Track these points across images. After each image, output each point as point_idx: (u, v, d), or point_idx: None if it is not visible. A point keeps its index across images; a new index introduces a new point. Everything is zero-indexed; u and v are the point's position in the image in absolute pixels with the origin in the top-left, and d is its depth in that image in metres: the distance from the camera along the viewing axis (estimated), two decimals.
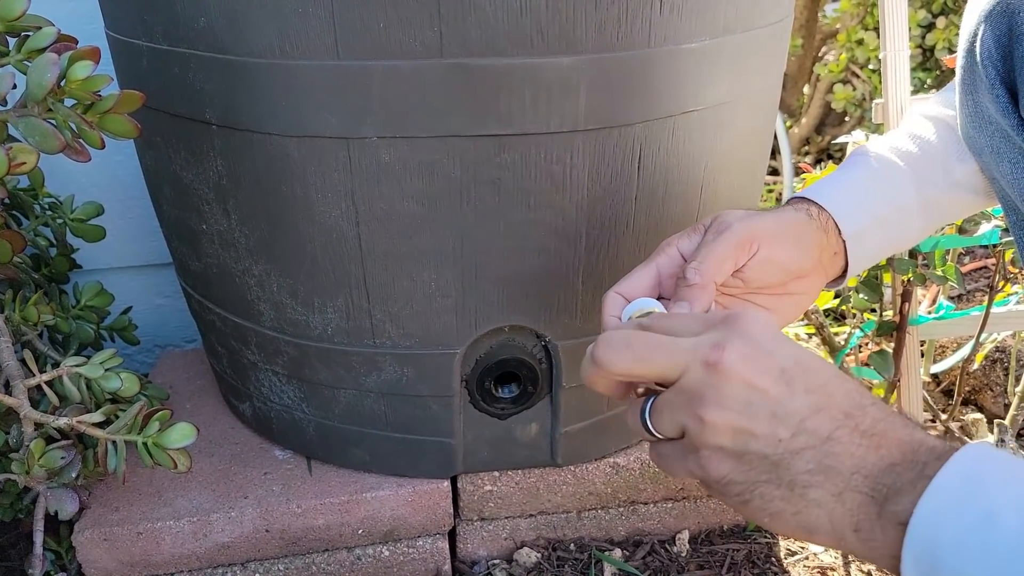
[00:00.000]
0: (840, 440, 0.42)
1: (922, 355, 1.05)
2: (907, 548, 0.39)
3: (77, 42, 0.57)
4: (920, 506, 0.38)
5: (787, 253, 0.62)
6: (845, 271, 0.69)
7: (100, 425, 0.73)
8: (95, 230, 1.00)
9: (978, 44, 0.57)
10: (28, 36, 0.57)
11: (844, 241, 0.67)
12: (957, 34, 1.95)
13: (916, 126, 0.74)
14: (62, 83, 0.53)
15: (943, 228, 0.98)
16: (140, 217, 1.26)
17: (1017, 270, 1.12)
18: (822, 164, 2.39)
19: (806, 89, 2.56)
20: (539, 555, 0.96)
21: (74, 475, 0.75)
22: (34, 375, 0.73)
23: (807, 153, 2.51)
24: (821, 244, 0.65)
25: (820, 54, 2.56)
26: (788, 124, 2.50)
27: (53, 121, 0.54)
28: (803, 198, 0.68)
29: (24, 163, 0.52)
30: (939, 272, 0.93)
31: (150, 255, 1.30)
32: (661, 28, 0.68)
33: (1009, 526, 0.36)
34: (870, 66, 2.16)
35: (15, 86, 0.55)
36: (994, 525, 0.36)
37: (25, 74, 0.56)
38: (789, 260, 0.62)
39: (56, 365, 0.79)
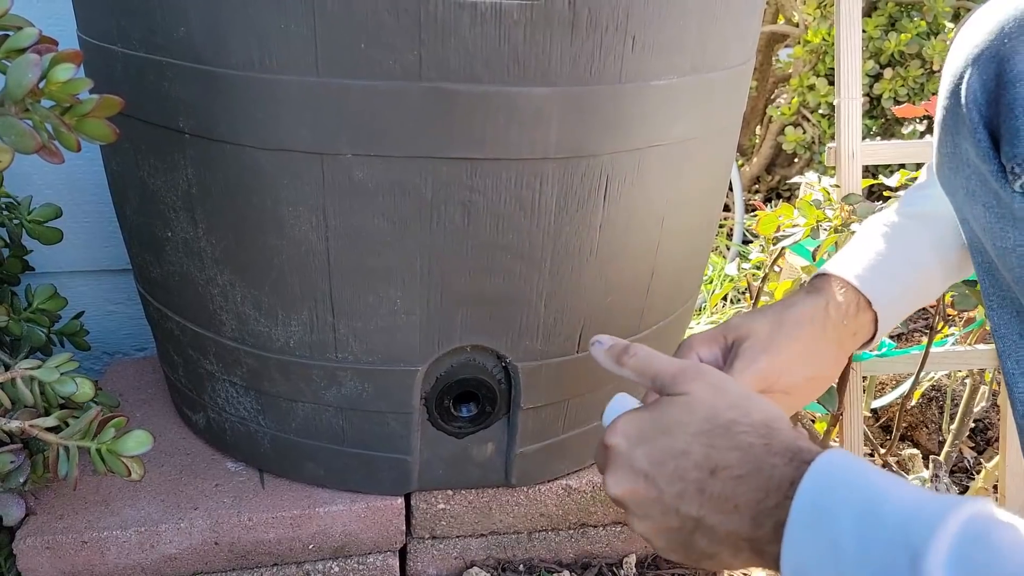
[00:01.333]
0: (707, 517, 0.50)
1: (863, 391, 1.09)
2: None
3: (58, 44, 0.57)
4: (784, 550, 0.44)
5: (807, 370, 0.66)
6: (872, 338, 0.71)
7: (53, 430, 0.72)
8: (52, 232, 0.99)
9: (964, 87, 0.57)
10: (7, 36, 0.57)
11: (875, 312, 0.69)
12: (902, 85, 2.04)
13: (922, 190, 0.76)
14: (42, 84, 0.53)
15: None
16: (95, 222, 1.25)
17: (955, 312, 1.17)
18: (772, 202, 2.47)
19: (758, 130, 2.65)
20: (488, 575, 0.97)
21: (22, 480, 0.74)
22: None
23: (757, 191, 2.59)
24: (841, 337, 0.68)
25: (772, 97, 2.66)
26: (740, 163, 2.58)
27: (30, 122, 0.54)
28: (829, 275, 0.70)
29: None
30: None
31: (103, 260, 1.28)
32: (632, 64, 0.71)
33: (849, 552, 0.41)
34: (820, 111, 2.25)
35: None
36: (839, 554, 0.41)
37: (3, 73, 0.56)
38: (809, 373, 0.66)
39: (6, 368, 0.78)
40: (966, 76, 0.57)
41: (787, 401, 0.66)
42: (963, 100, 0.57)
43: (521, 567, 0.98)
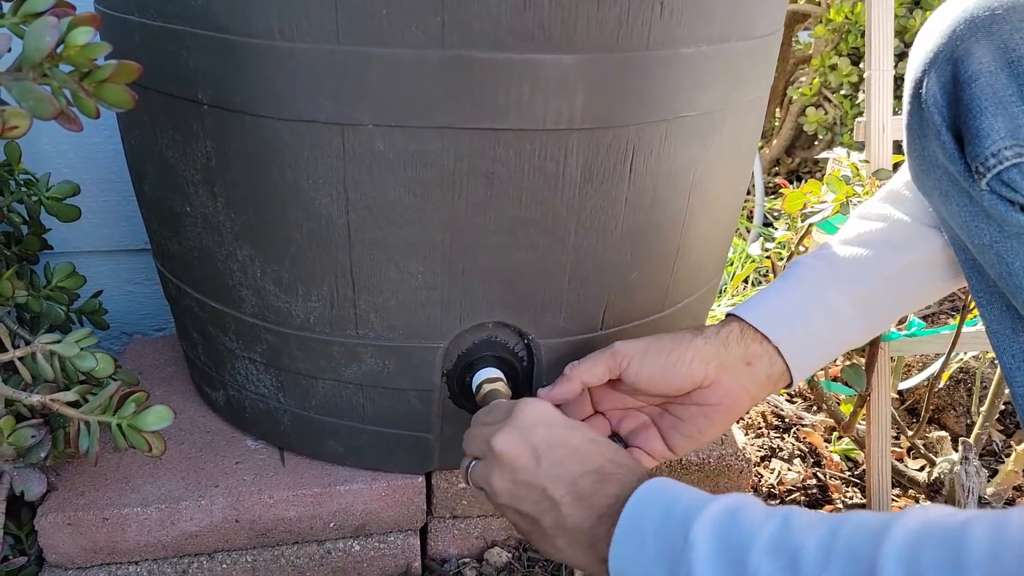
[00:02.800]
0: (565, 505, 0.59)
1: (891, 371, 1.07)
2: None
3: (75, 8, 0.56)
4: (611, 550, 0.54)
5: (658, 367, 0.71)
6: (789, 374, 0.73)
7: (73, 404, 0.71)
8: (70, 210, 0.98)
9: (924, 91, 0.59)
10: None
11: (776, 347, 0.71)
12: None
13: (849, 229, 0.77)
14: (60, 48, 0.52)
15: None
16: (113, 201, 1.24)
17: None
18: (794, 184, 2.44)
19: (778, 111, 2.61)
20: (510, 555, 0.96)
21: (43, 455, 0.73)
22: (7, 351, 0.71)
23: (777, 173, 2.55)
24: (720, 355, 0.71)
25: (792, 78, 2.62)
26: (760, 145, 2.55)
27: (48, 87, 0.53)
28: (731, 315, 0.74)
29: (16, 127, 0.51)
30: None
31: (122, 240, 1.28)
32: (660, 31, 0.69)
33: (649, 548, 0.52)
34: (842, 91, 2.21)
35: (10, 49, 0.53)
36: (643, 548, 0.53)
37: (19, 37, 0.55)
38: (664, 373, 0.70)
39: (27, 344, 0.77)
40: (925, 80, 0.59)
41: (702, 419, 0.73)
42: (925, 103, 0.59)
43: None
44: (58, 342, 0.74)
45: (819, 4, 2.37)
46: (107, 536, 0.84)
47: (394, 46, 0.65)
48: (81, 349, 0.74)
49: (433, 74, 0.66)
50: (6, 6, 0.57)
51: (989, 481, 1.14)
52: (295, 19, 0.65)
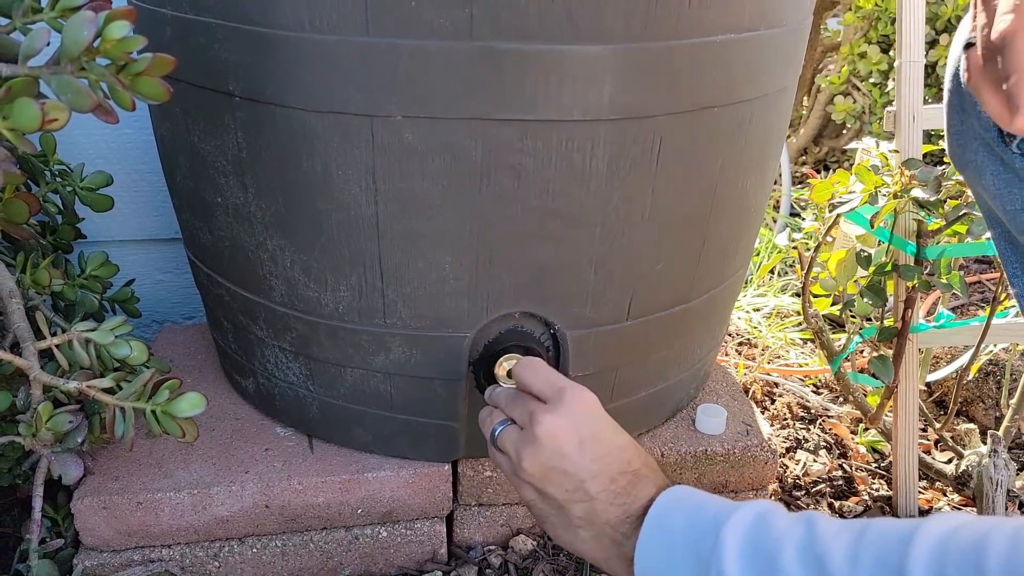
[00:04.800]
0: (600, 500, 0.61)
1: (919, 363, 1.06)
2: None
3: (111, 2, 0.57)
4: (637, 548, 0.57)
5: None
6: None
7: (109, 391, 0.72)
8: (103, 200, 1.00)
9: (962, 69, 0.61)
10: None
11: None
12: None
13: None
14: (96, 42, 0.53)
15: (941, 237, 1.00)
16: (145, 191, 1.26)
17: None
18: (821, 174, 2.42)
19: (805, 100, 2.59)
20: (535, 543, 0.97)
21: (80, 440, 0.75)
22: (45, 338, 0.73)
23: (804, 163, 2.53)
24: None
25: (820, 66, 2.59)
26: (787, 134, 2.52)
27: (86, 80, 0.54)
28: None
29: (56, 120, 0.52)
30: (944, 280, 0.95)
31: (153, 230, 1.30)
32: (688, 21, 0.69)
33: (678, 546, 0.55)
34: (871, 79, 2.18)
35: (48, 43, 0.54)
36: (671, 546, 0.55)
37: (57, 31, 0.56)
38: None
39: (63, 331, 0.79)
40: (964, 55, 0.60)
41: None
42: (963, 80, 0.60)
43: None
44: (94, 330, 0.76)
45: None
46: (141, 520, 0.85)
47: (423, 38, 0.65)
48: (116, 337, 0.75)
49: (461, 66, 0.67)
50: (44, 0, 0.58)
51: (1018, 474, 1.13)
52: (325, 11, 0.66)
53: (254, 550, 0.90)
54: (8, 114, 0.50)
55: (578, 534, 0.62)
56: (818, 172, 2.45)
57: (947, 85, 0.67)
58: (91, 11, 0.52)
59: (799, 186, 2.25)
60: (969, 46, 0.58)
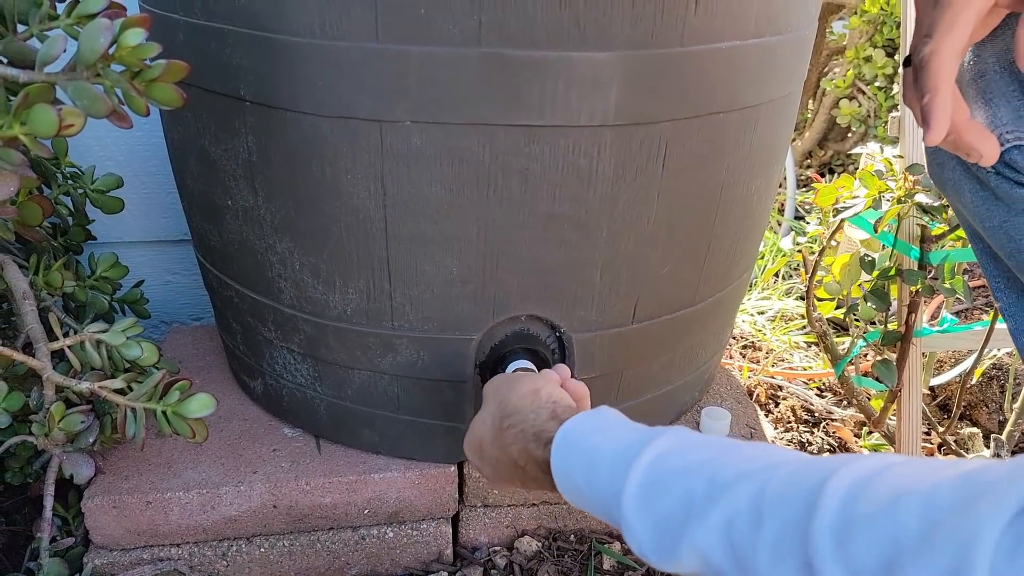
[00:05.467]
0: (521, 468, 0.64)
1: (922, 367, 1.07)
2: (553, 455, 0.60)
3: (126, 10, 0.58)
4: (556, 434, 0.60)
5: None
6: None
7: (120, 392, 0.73)
8: (114, 202, 1.01)
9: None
10: (78, 2, 0.57)
11: None
12: None
13: None
14: (112, 49, 0.54)
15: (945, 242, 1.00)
16: (154, 193, 1.27)
17: None
18: (826, 177, 2.42)
19: (810, 103, 2.59)
20: (539, 544, 0.97)
21: (91, 440, 0.76)
22: (57, 339, 0.74)
23: (809, 166, 2.53)
24: None
25: (825, 69, 2.59)
26: (792, 137, 2.52)
27: (101, 86, 0.55)
28: None
29: (72, 125, 0.53)
30: (947, 285, 0.95)
31: (161, 231, 1.31)
32: (694, 28, 0.70)
33: (586, 498, 0.56)
34: (876, 83, 2.19)
35: (65, 50, 0.55)
36: (580, 497, 0.57)
37: (73, 38, 0.57)
38: None
39: (74, 332, 0.80)
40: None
41: None
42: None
43: (572, 537, 0.99)
44: (105, 331, 0.77)
45: None
46: (150, 519, 0.86)
47: (432, 44, 0.66)
48: (127, 338, 0.76)
49: (470, 72, 0.67)
50: (60, 7, 0.59)
51: None
52: (336, 18, 0.67)
53: (262, 549, 0.91)
54: (26, 119, 0.51)
55: (509, 452, 0.65)
56: (823, 175, 2.46)
57: None
58: (107, 18, 0.53)
59: (804, 189, 2.26)
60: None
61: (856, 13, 2.22)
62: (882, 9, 2.14)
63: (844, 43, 2.40)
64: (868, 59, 2.18)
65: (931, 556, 0.37)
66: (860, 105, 2.27)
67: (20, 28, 0.60)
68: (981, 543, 0.35)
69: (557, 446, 0.59)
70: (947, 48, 0.54)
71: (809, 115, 2.57)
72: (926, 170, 0.94)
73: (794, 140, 2.54)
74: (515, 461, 0.64)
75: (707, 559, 0.47)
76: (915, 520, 0.39)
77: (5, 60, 0.57)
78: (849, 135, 2.41)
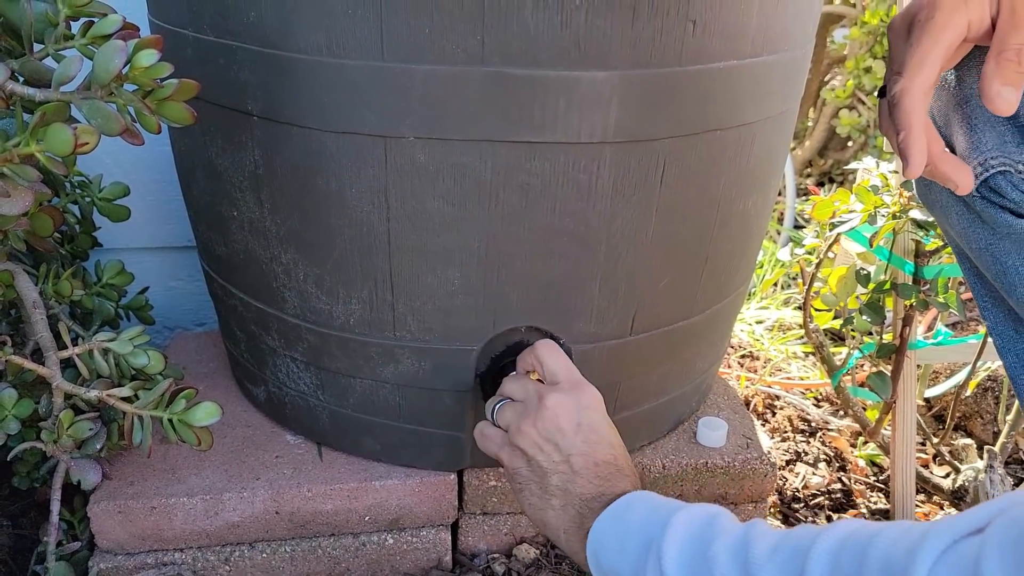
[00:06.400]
0: (581, 475, 0.68)
1: (917, 379, 1.08)
2: (588, 545, 0.64)
3: (139, 30, 0.59)
4: (595, 523, 0.64)
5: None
6: None
7: (127, 400, 0.75)
8: (121, 210, 1.02)
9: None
10: (92, 22, 0.59)
11: None
12: None
13: None
14: (125, 69, 0.56)
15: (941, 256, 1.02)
16: (159, 200, 1.29)
17: None
18: (825, 187, 2.44)
19: (811, 113, 2.60)
20: (538, 551, 0.99)
21: (99, 447, 0.77)
22: (66, 347, 0.75)
23: (809, 175, 2.55)
24: None
25: (826, 79, 2.60)
26: (792, 147, 2.54)
27: (114, 105, 0.56)
28: None
29: (87, 143, 0.54)
30: (941, 299, 0.97)
31: (166, 238, 1.32)
32: (693, 47, 0.71)
33: (632, 532, 0.61)
34: (876, 94, 2.20)
35: (79, 70, 0.57)
36: (626, 532, 0.62)
37: (88, 58, 0.58)
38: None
39: (82, 339, 0.81)
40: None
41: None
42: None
43: None
44: (113, 340, 0.78)
45: (854, 6, 2.36)
46: (155, 524, 0.88)
47: (436, 63, 0.68)
48: (135, 347, 0.78)
49: (473, 90, 0.69)
50: (75, 26, 0.60)
51: (1014, 489, 1.15)
52: (342, 37, 0.68)
53: (264, 555, 0.92)
54: (42, 137, 0.53)
55: (550, 502, 0.69)
56: (822, 185, 2.47)
57: None
58: (121, 40, 0.54)
59: (803, 199, 2.27)
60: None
61: (856, 24, 2.24)
62: (882, 20, 2.15)
63: (845, 52, 2.42)
64: (868, 70, 2.20)
65: (888, 565, 0.44)
66: (860, 115, 2.28)
67: (36, 47, 0.62)
68: (926, 553, 0.42)
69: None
70: (917, 86, 0.56)
71: (810, 124, 2.59)
72: (915, 192, 0.95)
73: (794, 149, 2.55)
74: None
75: None
76: (887, 540, 0.46)
77: (22, 79, 0.59)
78: (849, 144, 2.42)
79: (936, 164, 0.60)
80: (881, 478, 1.23)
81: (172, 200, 1.28)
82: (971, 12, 0.56)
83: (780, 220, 2.10)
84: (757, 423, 1.25)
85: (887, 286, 1.01)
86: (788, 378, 1.45)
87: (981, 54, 0.59)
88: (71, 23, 0.62)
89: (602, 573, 0.63)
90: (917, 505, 1.14)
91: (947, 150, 0.62)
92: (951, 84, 0.62)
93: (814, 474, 1.21)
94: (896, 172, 1.01)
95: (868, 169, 1.03)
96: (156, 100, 0.57)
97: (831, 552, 0.48)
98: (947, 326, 1.25)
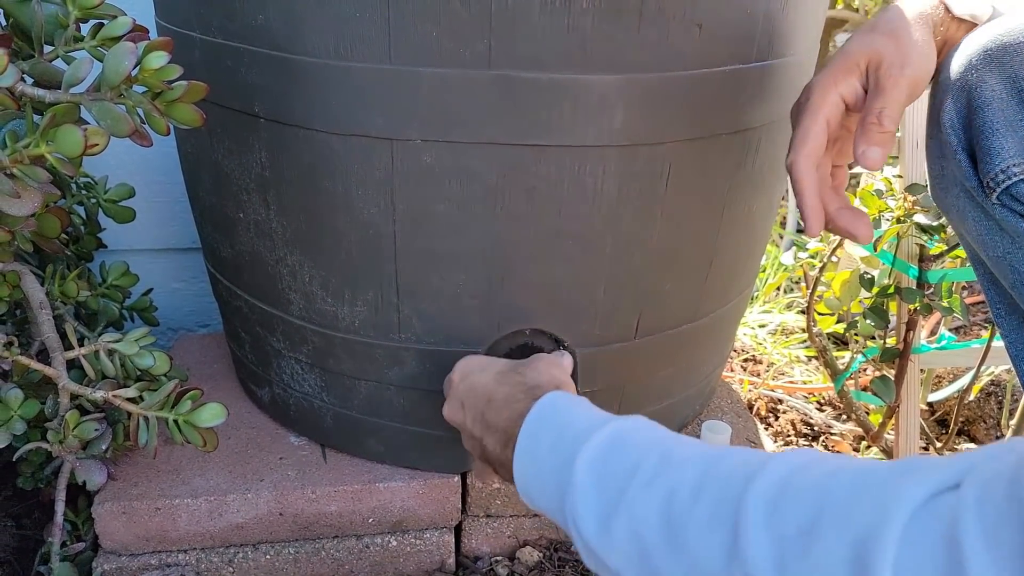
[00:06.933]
0: (484, 438, 0.67)
1: (920, 383, 1.08)
2: (516, 481, 0.61)
3: (148, 32, 0.59)
4: (514, 467, 0.61)
5: (929, 65, 0.64)
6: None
7: (133, 401, 0.75)
8: (126, 211, 1.03)
9: (943, 115, 0.64)
10: (102, 24, 0.59)
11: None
12: None
13: None
14: (135, 71, 0.56)
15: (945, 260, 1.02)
16: (163, 202, 1.29)
17: None
18: None
19: None
20: (541, 555, 0.99)
21: (104, 447, 0.77)
22: (72, 348, 0.76)
23: None
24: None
25: None
26: None
27: (124, 107, 0.57)
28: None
29: (96, 145, 0.54)
30: (945, 303, 0.97)
31: (170, 239, 1.33)
32: (698, 52, 0.71)
33: (544, 468, 0.58)
34: None
35: (89, 71, 0.57)
36: (539, 469, 0.59)
37: (98, 59, 0.59)
38: (928, 67, 0.65)
39: (87, 340, 0.81)
40: (944, 106, 0.64)
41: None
42: (943, 126, 0.64)
43: (573, 548, 1.00)
44: (119, 341, 0.78)
45: (857, 10, 2.37)
46: (159, 525, 0.88)
47: (443, 66, 0.68)
48: (140, 348, 0.78)
49: (480, 93, 0.69)
50: (85, 28, 0.61)
51: None
52: (350, 39, 0.69)
53: (268, 556, 0.92)
54: (52, 139, 0.53)
55: (487, 439, 0.68)
56: None
57: (926, 131, 0.69)
58: (131, 42, 0.55)
59: None
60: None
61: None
62: None
63: None
64: None
65: (848, 520, 0.39)
66: None
67: (46, 49, 0.62)
68: (899, 511, 0.37)
69: (540, 407, 0.62)
70: (803, 157, 0.64)
71: None
72: (928, 191, 0.95)
73: None
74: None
75: (639, 533, 0.49)
76: (844, 490, 0.41)
77: (32, 81, 0.59)
78: None
79: (835, 219, 0.66)
80: None
81: (177, 202, 1.29)
82: (841, 89, 0.64)
83: (783, 224, 2.10)
84: (760, 427, 1.25)
85: (891, 290, 1.01)
86: (791, 382, 1.45)
87: (990, 62, 0.60)
88: (81, 25, 0.62)
89: (533, 503, 0.61)
90: None
91: (845, 207, 0.67)
92: (970, 90, 0.62)
93: None
94: (900, 177, 1.01)
95: (872, 173, 1.03)
96: (165, 102, 0.57)
97: (771, 500, 0.43)
98: (951, 330, 1.25)
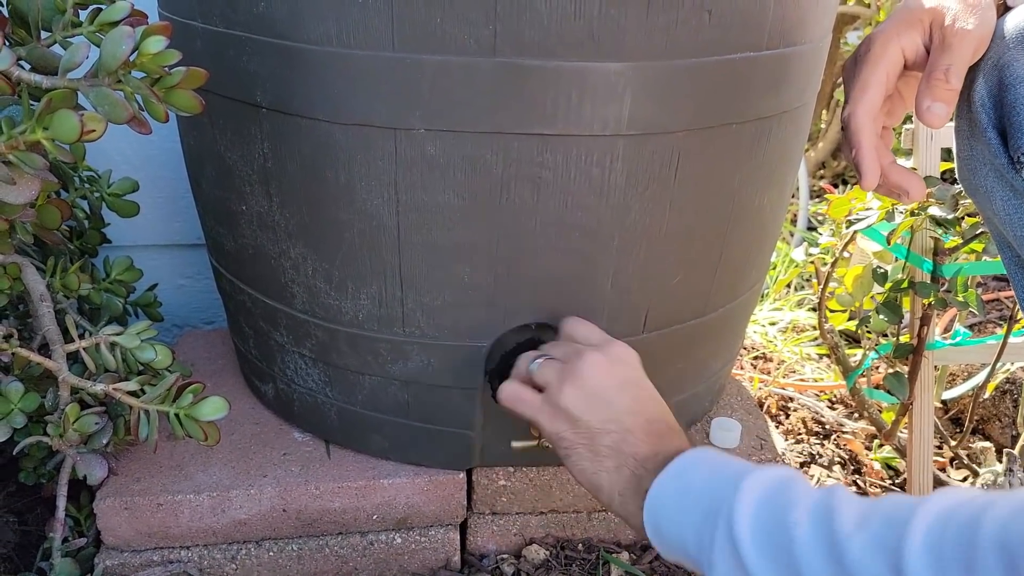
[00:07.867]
0: (633, 433, 0.65)
1: (934, 380, 1.06)
2: (646, 508, 0.61)
3: (147, 17, 0.58)
4: (654, 484, 0.61)
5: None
6: None
7: (133, 394, 0.74)
8: (129, 206, 1.02)
9: (974, 94, 0.64)
10: (100, 9, 0.58)
11: None
12: None
13: None
14: (133, 56, 0.55)
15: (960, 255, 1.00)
16: (168, 197, 1.28)
17: None
18: (839, 188, 2.42)
19: (824, 114, 2.59)
20: (547, 553, 0.97)
21: (105, 441, 0.77)
22: (73, 341, 0.75)
23: (822, 177, 2.53)
24: None
25: (839, 80, 2.58)
26: (805, 147, 2.52)
27: (122, 93, 0.56)
28: None
29: (94, 131, 0.54)
30: (960, 298, 0.95)
31: (175, 235, 1.32)
32: (708, 39, 0.70)
33: (693, 492, 0.58)
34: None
35: (87, 56, 0.56)
36: (687, 492, 0.59)
37: (96, 45, 0.58)
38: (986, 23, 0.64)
39: (89, 335, 0.80)
40: (976, 84, 0.63)
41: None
42: (973, 104, 0.64)
43: (580, 546, 0.99)
44: (120, 334, 0.77)
45: (868, 6, 2.34)
46: (161, 521, 0.87)
47: (447, 54, 0.67)
48: (142, 341, 0.77)
49: (484, 81, 0.68)
50: (83, 13, 0.60)
51: None
52: (353, 27, 0.67)
53: (271, 553, 0.91)
54: (49, 124, 0.52)
55: (603, 463, 0.66)
56: (836, 186, 2.45)
57: (956, 111, 0.68)
58: (129, 27, 0.54)
59: (817, 200, 2.25)
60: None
61: (871, 24, 2.22)
62: None
63: None
64: None
65: None
66: None
67: (44, 34, 0.61)
68: None
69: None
70: (861, 109, 0.64)
71: (823, 126, 2.57)
72: (957, 177, 0.94)
73: (807, 150, 2.53)
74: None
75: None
76: (996, 527, 0.42)
77: (28, 66, 0.58)
78: None
79: (887, 174, 0.66)
80: (897, 481, 1.21)
81: (181, 197, 1.28)
82: (903, 42, 0.64)
83: (793, 221, 2.08)
84: (771, 424, 1.24)
85: (904, 285, 1.00)
86: (802, 380, 1.43)
87: (1021, 42, 0.60)
88: (79, 10, 0.61)
89: (661, 537, 0.60)
90: None
91: (896, 162, 0.67)
92: (1002, 68, 0.61)
93: (829, 476, 1.19)
94: (914, 169, 0.99)
95: None
96: (164, 88, 0.56)
97: (932, 531, 0.44)
98: (966, 327, 1.23)
